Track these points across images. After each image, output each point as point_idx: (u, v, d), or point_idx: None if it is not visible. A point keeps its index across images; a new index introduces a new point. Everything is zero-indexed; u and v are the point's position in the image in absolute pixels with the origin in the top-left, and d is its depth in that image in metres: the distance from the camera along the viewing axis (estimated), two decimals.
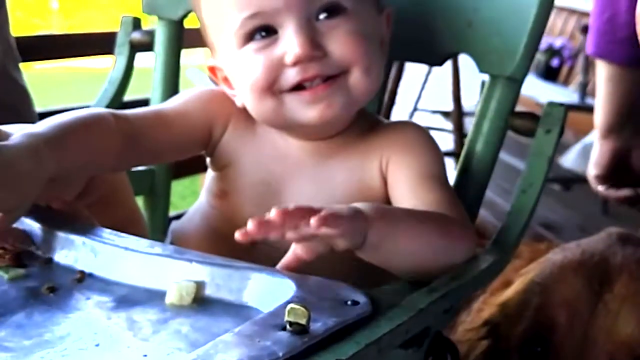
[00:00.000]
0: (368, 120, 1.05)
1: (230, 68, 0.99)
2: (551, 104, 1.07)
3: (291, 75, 0.93)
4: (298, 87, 0.94)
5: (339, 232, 0.78)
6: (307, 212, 0.76)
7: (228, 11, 0.95)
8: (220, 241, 1.01)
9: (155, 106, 1.05)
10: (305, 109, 0.94)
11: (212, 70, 1.05)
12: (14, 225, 0.87)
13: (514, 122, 1.09)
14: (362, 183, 1.01)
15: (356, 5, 0.96)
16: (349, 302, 0.75)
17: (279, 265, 0.83)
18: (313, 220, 0.75)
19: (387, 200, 1.01)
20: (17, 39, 1.64)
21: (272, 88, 0.94)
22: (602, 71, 1.63)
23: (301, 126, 0.97)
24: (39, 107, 1.69)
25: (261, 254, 0.86)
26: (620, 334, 1.08)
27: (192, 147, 1.07)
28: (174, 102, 1.07)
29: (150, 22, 1.38)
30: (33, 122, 0.94)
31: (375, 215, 0.83)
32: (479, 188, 1.10)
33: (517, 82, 1.08)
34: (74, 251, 0.87)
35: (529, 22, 1.04)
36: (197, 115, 1.05)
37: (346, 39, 0.94)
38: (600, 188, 1.69)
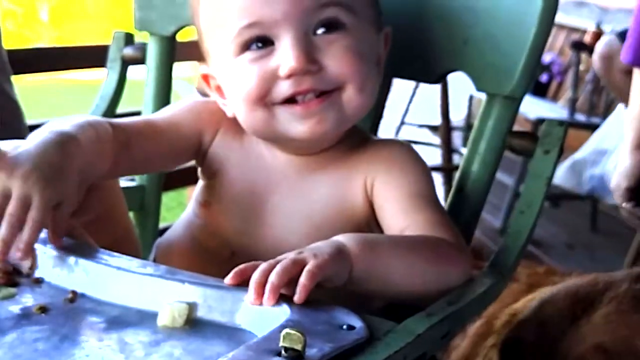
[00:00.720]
0: (357, 137, 1.04)
1: (224, 76, 0.98)
2: (550, 123, 1.05)
3: (284, 88, 0.92)
4: (290, 101, 0.93)
5: (323, 279, 0.78)
6: (291, 265, 0.77)
7: (226, 19, 0.94)
8: (202, 252, 1.02)
9: (147, 116, 1.05)
10: (296, 123, 0.94)
11: (205, 78, 1.04)
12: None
13: (512, 142, 1.08)
14: (344, 200, 1.00)
15: (355, 22, 0.95)
16: (345, 327, 0.74)
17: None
18: (301, 281, 0.76)
19: (368, 219, 1.00)
20: (9, 52, 1.63)
21: (264, 99, 0.93)
22: (638, 79, 1.62)
23: (290, 140, 0.96)
24: (30, 120, 1.67)
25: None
26: (586, 344, 1.09)
27: (183, 156, 1.07)
28: (165, 113, 1.07)
29: (141, 36, 1.37)
30: (23, 136, 0.93)
31: (360, 249, 0.83)
32: (475, 208, 1.09)
33: (515, 101, 1.07)
34: (66, 270, 0.86)
35: (528, 39, 1.02)
36: (187, 125, 1.05)
37: (342, 55, 0.93)
38: (627, 205, 1.67)
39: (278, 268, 0.77)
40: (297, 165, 1.02)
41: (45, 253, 0.87)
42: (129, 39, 1.34)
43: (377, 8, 1.01)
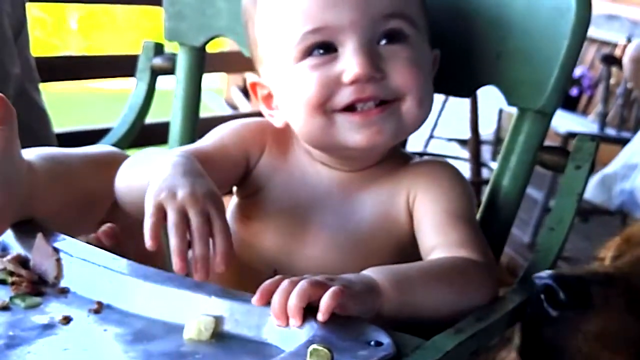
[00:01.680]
0: (398, 156, 1.04)
1: (281, 83, 0.98)
2: (581, 138, 1.04)
3: (346, 94, 0.92)
4: (350, 109, 0.93)
5: (350, 312, 0.78)
6: (317, 285, 0.77)
7: (289, 24, 0.94)
8: (240, 268, 0.99)
9: (196, 144, 1.04)
10: (355, 132, 0.93)
11: (254, 87, 1.04)
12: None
13: (543, 157, 1.06)
14: (389, 218, 1.00)
15: (416, 36, 0.96)
16: (372, 343, 0.73)
17: None
18: (324, 300, 0.76)
19: (411, 236, 0.99)
20: (37, 59, 1.64)
21: (324, 106, 0.93)
22: None
23: (347, 149, 0.95)
24: (58, 128, 1.68)
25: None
26: None
27: (232, 180, 1.05)
28: (211, 139, 1.05)
29: (171, 46, 1.37)
30: (50, 144, 0.94)
31: (389, 285, 0.83)
32: (504, 223, 1.08)
33: (546, 116, 1.06)
34: (92, 281, 0.85)
35: (560, 53, 1.01)
36: (234, 149, 1.04)
37: (405, 67, 0.93)
38: None
39: (298, 289, 0.76)
40: (340, 183, 1.02)
41: (72, 263, 0.86)
42: (158, 49, 1.34)
43: (429, 26, 1.01)
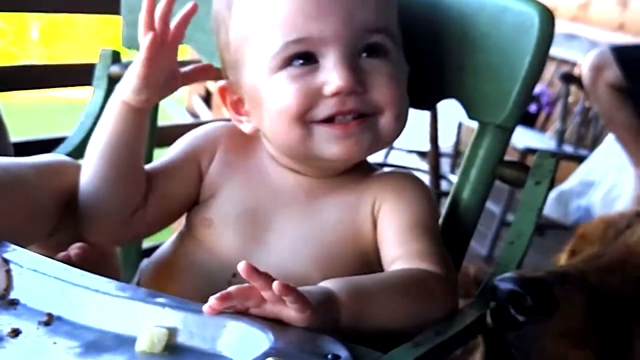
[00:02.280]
0: (364, 166, 1.04)
1: (256, 91, 0.96)
2: (542, 154, 1.04)
3: (327, 107, 0.91)
4: (328, 120, 0.92)
5: (305, 323, 0.77)
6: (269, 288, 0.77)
7: (268, 33, 0.93)
8: (199, 274, 0.99)
9: (149, 165, 1.02)
10: (333, 144, 0.93)
11: (222, 91, 1.03)
12: None
13: (503, 172, 1.06)
14: (353, 225, 0.99)
15: (396, 52, 0.96)
16: (330, 356, 0.73)
17: None
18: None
19: (375, 244, 0.99)
20: None
21: (303, 117, 0.92)
22: None
23: (323, 160, 0.95)
24: (17, 137, 1.65)
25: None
26: None
27: (193, 192, 1.04)
28: (165, 156, 1.05)
29: (130, 55, 1.35)
30: (7, 154, 0.91)
31: (346, 296, 0.83)
32: (464, 236, 1.08)
33: (507, 131, 1.05)
34: (42, 292, 0.83)
35: (523, 69, 1.01)
36: (185, 159, 1.03)
37: (386, 82, 0.93)
38: None
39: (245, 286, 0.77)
40: (307, 188, 1.01)
41: (22, 274, 0.84)
42: (115, 56, 1.32)
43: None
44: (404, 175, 1.04)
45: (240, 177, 1.02)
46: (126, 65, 1.29)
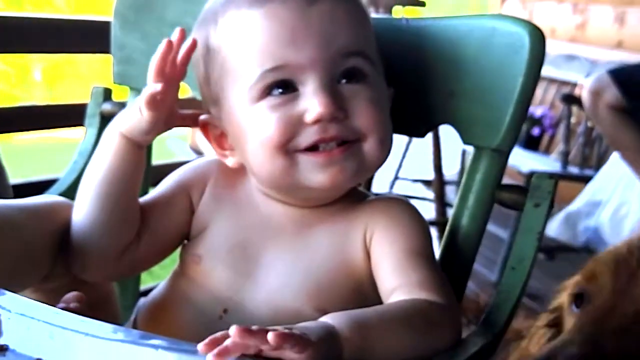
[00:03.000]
0: (355, 193, 1.02)
1: (237, 124, 0.95)
2: (540, 176, 1.02)
3: (309, 135, 0.90)
4: (312, 149, 0.91)
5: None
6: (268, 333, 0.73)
7: (246, 63, 0.92)
8: (191, 310, 0.97)
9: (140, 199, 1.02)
10: (318, 172, 0.91)
11: (205, 126, 1.01)
12: None
13: (501, 196, 1.04)
14: (344, 255, 0.97)
15: (375, 76, 0.95)
16: None
17: None
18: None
19: (368, 274, 0.96)
20: None
21: (285, 146, 0.91)
22: None
23: (308, 189, 0.93)
24: (18, 179, 1.64)
25: (233, 324, 0.81)
26: None
27: (184, 226, 1.02)
28: (156, 190, 1.04)
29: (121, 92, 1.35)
30: (7, 196, 0.90)
31: (348, 331, 0.80)
32: (465, 263, 1.05)
33: (503, 154, 1.04)
34: (32, 337, 0.81)
35: (515, 91, 0.99)
36: (177, 193, 1.02)
37: (367, 107, 0.92)
38: None
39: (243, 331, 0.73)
40: (295, 218, 0.99)
41: (10, 319, 0.82)
42: (107, 94, 1.31)
43: (383, 64, 1.00)
44: (393, 200, 1.02)
45: (229, 211, 1.01)
46: (119, 103, 1.29)
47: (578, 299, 1.07)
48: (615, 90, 3.10)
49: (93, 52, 2.29)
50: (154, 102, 0.92)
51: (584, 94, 3.22)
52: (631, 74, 3.19)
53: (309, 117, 0.89)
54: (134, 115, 0.94)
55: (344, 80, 0.92)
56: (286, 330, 0.74)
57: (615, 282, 1.02)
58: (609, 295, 1.01)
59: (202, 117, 1.01)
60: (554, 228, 3.99)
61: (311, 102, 0.89)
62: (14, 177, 1.60)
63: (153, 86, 0.92)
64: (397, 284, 0.92)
